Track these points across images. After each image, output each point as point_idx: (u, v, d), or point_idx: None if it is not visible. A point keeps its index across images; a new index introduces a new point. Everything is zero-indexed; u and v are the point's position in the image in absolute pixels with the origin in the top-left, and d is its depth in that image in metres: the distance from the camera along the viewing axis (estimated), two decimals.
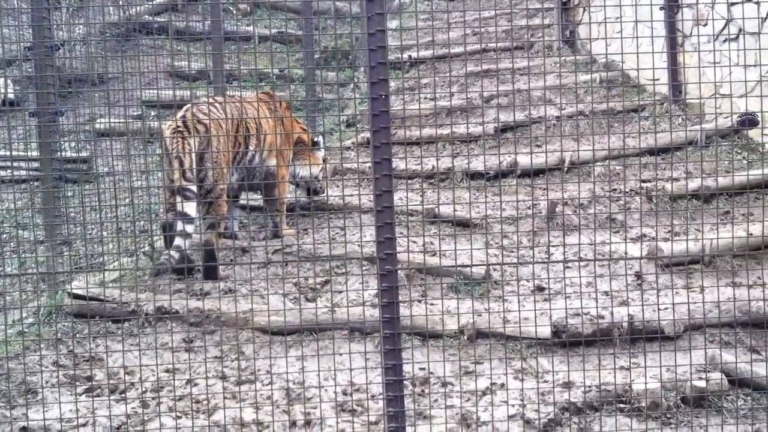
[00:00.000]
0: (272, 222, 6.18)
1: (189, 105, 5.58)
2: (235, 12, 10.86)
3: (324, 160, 6.65)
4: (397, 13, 9.51)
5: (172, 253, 5.20)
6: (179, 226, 5.20)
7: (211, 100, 5.74)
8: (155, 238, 5.89)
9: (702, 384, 4.03)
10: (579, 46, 9.62)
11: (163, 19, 9.86)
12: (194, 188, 5.28)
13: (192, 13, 10.29)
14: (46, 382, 4.22)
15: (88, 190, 6.06)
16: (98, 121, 7.18)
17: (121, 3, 8.90)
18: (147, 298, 4.94)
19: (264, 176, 5.97)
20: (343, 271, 5.44)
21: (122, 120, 6.68)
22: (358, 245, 5.31)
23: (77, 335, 4.77)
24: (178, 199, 5.23)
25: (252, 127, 5.81)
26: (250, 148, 5.83)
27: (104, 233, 5.93)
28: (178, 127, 5.34)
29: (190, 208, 5.26)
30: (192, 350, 4.56)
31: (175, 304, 4.86)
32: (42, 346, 4.50)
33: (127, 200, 5.80)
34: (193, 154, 5.25)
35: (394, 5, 10.66)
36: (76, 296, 5.02)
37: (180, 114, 5.47)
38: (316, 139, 6.59)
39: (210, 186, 5.38)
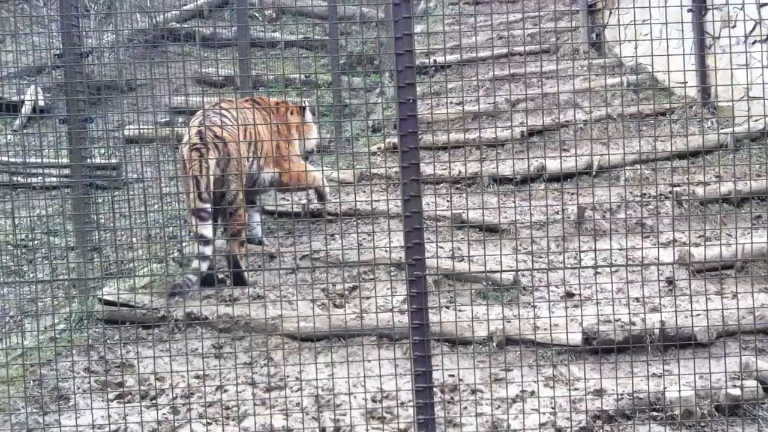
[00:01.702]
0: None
1: (201, 116, 5.56)
2: (261, 18, 10.91)
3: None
4: (423, 17, 9.49)
5: (190, 276, 5.21)
6: (197, 248, 5.24)
7: (221, 107, 5.71)
8: (185, 244, 5.92)
9: (736, 392, 3.96)
10: (606, 49, 9.55)
11: (190, 26, 9.93)
12: (209, 208, 5.30)
13: (218, 19, 10.36)
14: (78, 388, 4.26)
15: (117, 196, 6.11)
16: (127, 127, 7.24)
17: (148, 10, 8.99)
18: (177, 303, 4.97)
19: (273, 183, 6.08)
20: (371, 277, 5.43)
21: (151, 126, 6.73)
22: (386, 251, 5.30)
23: (108, 341, 4.81)
24: (194, 221, 5.27)
25: (254, 133, 5.82)
26: (257, 153, 5.88)
27: (134, 239, 5.98)
28: (195, 144, 5.34)
29: (207, 229, 5.27)
30: (221, 356, 4.57)
31: (204, 310, 4.89)
32: (74, 352, 4.53)
33: (157, 206, 5.84)
34: (211, 175, 5.28)
35: (419, 9, 10.65)
36: (107, 302, 5.07)
37: (195, 129, 5.44)
38: (303, 105, 6.43)
39: (231, 198, 5.45)
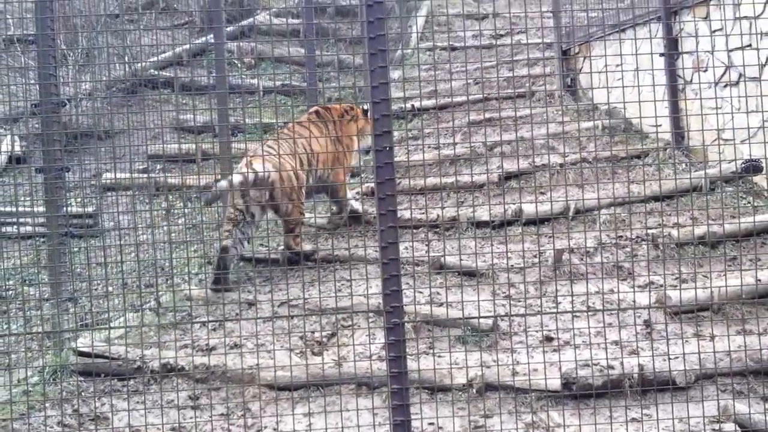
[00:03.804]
0: (338, 215, 7.16)
1: (247, 160, 6.32)
2: (239, 65, 11.00)
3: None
4: (400, 65, 9.61)
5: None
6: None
7: (278, 137, 6.56)
8: (160, 292, 5.88)
9: None
10: (581, 94, 9.70)
11: (168, 74, 9.98)
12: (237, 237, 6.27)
13: (197, 66, 10.43)
14: None
15: (93, 245, 6.07)
16: (104, 176, 7.22)
17: (126, 59, 9.03)
18: (153, 354, 4.91)
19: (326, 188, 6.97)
20: (350, 323, 5.40)
21: (128, 174, 6.72)
22: (365, 297, 5.28)
23: (82, 394, 4.73)
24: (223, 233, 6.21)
25: (306, 156, 6.58)
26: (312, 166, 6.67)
27: (110, 289, 5.92)
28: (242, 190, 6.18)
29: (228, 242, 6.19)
30: (198, 408, 4.51)
31: (180, 360, 4.83)
32: (47, 405, 4.46)
33: (133, 255, 5.80)
34: (248, 214, 6.30)
35: (396, 56, 10.79)
36: (82, 353, 4.99)
37: (239, 174, 6.24)
38: (365, 108, 7.02)
39: (285, 211, 6.39)
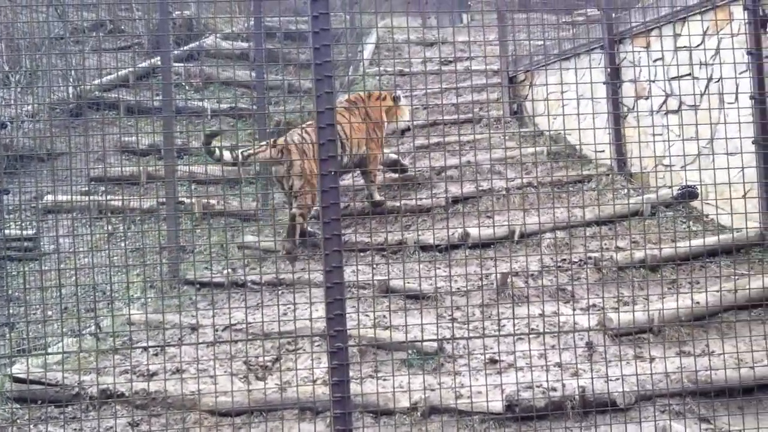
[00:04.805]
0: (368, 191, 7.83)
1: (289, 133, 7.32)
2: (187, 87, 10.92)
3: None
4: (347, 90, 9.65)
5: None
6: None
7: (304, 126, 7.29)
8: (100, 316, 5.76)
9: None
10: (527, 120, 9.86)
11: (113, 95, 9.86)
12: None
13: (144, 88, 10.33)
14: None
15: (32, 269, 5.93)
16: (45, 198, 7.08)
17: (71, 80, 8.91)
18: (92, 380, 4.80)
19: (360, 161, 7.69)
20: (295, 348, 5.36)
21: (69, 197, 6.61)
22: (310, 321, 5.24)
23: (17, 421, 4.60)
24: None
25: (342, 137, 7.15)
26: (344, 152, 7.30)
27: (48, 313, 5.78)
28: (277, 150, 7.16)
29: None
30: None
31: (120, 386, 4.73)
32: None
33: (73, 279, 5.68)
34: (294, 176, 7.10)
35: (345, 81, 10.84)
36: (17, 380, 4.86)
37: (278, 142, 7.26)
38: (395, 95, 8.06)
39: (296, 189, 7.12)
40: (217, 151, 6.91)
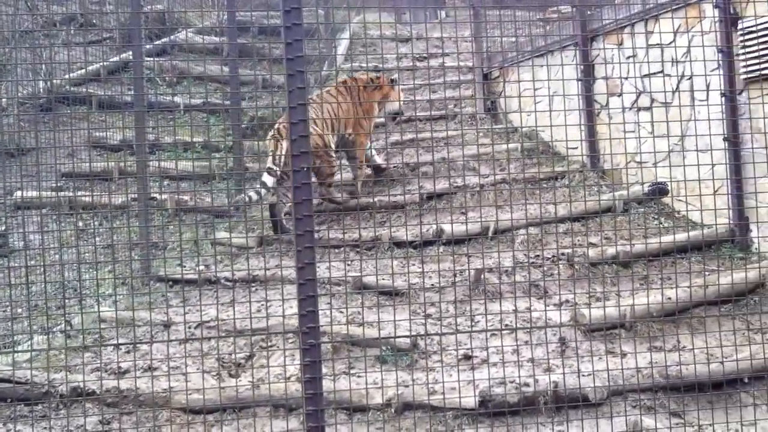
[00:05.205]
0: (353, 174, 8.04)
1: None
2: (160, 82, 10.82)
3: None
4: (320, 86, 9.61)
5: (251, 193, 6.97)
6: (260, 186, 7.05)
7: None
8: (71, 314, 5.69)
9: None
10: (501, 117, 9.90)
11: (84, 90, 9.73)
12: (277, 170, 7.04)
13: (116, 83, 10.21)
14: None
15: (0, 265, 5.84)
16: (14, 194, 6.98)
17: (41, 74, 8.78)
18: (62, 378, 4.74)
19: (345, 143, 7.84)
20: (268, 345, 5.33)
21: (39, 193, 6.51)
22: (283, 317, 5.22)
23: None
24: (265, 176, 7.05)
25: (331, 120, 7.52)
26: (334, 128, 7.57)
27: (17, 310, 5.70)
28: (275, 134, 7.19)
29: (270, 180, 7.06)
30: None
31: (91, 384, 4.67)
32: None
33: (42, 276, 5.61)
34: (283, 152, 6.95)
35: (319, 76, 10.79)
36: None
37: (276, 125, 7.27)
38: (392, 78, 8.27)
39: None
40: (253, 194, 7.00)
